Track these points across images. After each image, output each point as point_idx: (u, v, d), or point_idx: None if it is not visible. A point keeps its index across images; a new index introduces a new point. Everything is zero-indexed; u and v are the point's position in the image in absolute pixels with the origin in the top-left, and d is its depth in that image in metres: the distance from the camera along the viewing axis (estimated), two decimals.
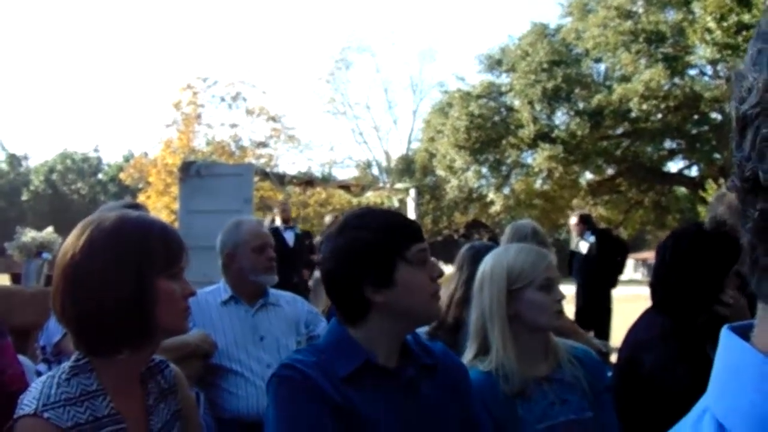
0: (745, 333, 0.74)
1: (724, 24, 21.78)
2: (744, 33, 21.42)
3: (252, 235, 4.10)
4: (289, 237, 11.75)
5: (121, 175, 40.30)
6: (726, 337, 0.76)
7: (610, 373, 3.49)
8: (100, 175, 72.21)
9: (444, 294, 4.19)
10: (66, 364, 2.00)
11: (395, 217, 2.40)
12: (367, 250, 2.19)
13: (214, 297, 4.08)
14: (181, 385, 2.29)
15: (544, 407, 2.82)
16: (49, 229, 7.62)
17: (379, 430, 2.12)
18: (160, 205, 30.33)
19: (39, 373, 3.65)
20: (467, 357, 2.93)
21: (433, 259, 2.36)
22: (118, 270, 1.94)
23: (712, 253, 3.16)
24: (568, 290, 3.49)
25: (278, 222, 11.68)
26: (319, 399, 2.06)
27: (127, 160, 54.56)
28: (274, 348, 3.99)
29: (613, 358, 5.32)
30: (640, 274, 56.21)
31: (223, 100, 35.09)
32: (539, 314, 2.86)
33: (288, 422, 2.06)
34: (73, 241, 1.98)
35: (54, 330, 3.78)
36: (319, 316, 4.33)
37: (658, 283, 3.38)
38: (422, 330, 3.98)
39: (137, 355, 2.05)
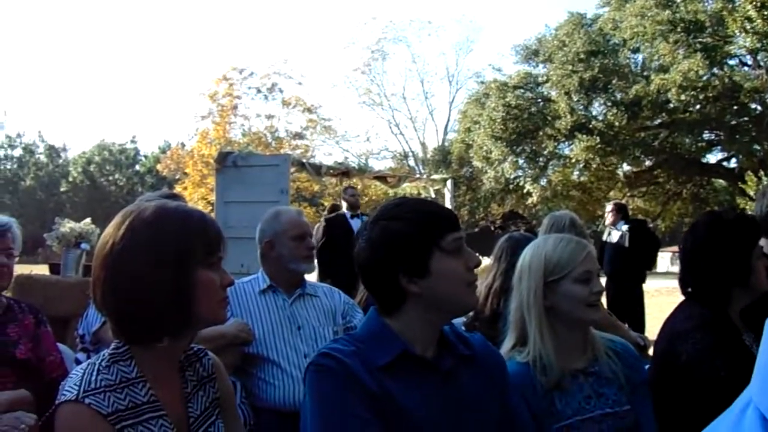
0: None
1: (765, 13, 21.51)
2: None
3: (291, 224, 4.11)
4: (356, 225, 11.72)
5: (158, 166, 40.69)
6: None
7: (647, 366, 3.47)
8: (137, 166, 72.65)
9: (482, 285, 4.19)
10: (106, 352, 2.01)
11: (430, 206, 2.38)
12: (402, 240, 2.18)
13: (252, 286, 4.10)
14: (219, 374, 2.30)
15: (581, 400, 2.81)
16: (87, 220, 7.67)
17: (417, 420, 2.11)
18: (197, 196, 30.54)
19: (78, 361, 3.69)
20: (505, 348, 2.93)
21: (469, 249, 2.34)
22: (159, 259, 1.94)
23: (731, 236, 3.14)
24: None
25: (344, 209, 11.55)
26: (356, 388, 2.06)
27: (163, 151, 54.96)
28: (311, 338, 4.00)
29: (651, 351, 5.29)
30: (677, 267, 55.84)
31: (259, 91, 35.27)
32: (575, 307, 2.84)
33: (326, 410, 2.06)
34: (113, 230, 1.99)
35: (93, 319, 3.81)
36: (356, 307, 4.33)
37: (685, 274, 3.36)
38: (459, 321, 3.98)
39: (176, 344, 2.06)
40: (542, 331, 2.84)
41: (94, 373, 1.94)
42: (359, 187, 32.44)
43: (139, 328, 1.96)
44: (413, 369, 2.19)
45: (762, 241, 3.31)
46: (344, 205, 11.60)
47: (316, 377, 2.11)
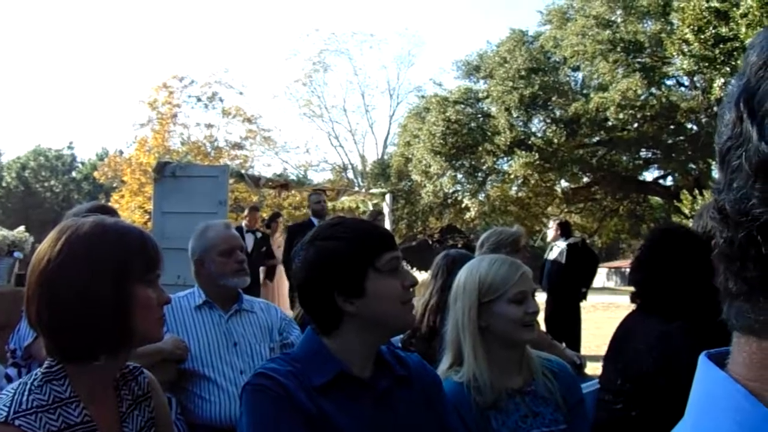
0: (722, 360, 0.75)
1: (702, 36, 21.90)
2: (721, 46, 21.56)
3: (218, 240, 4.06)
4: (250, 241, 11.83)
5: (95, 174, 40.20)
6: (703, 364, 0.77)
7: (583, 385, 3.52)
8: (73, 173, 71.54)
9: (418, 302, 4.20)
10: (39, 371, 1.99)
11: (366, 226, 2.39)
12: (337, 261, 2.20)
13: (188, 301, 4.05)
14: (155, 392, 2.28)
15: (517, 419, 2.84)
16: (21, 228, 7.55)
17: None
18: (134, 205, 30.23)
19: (8, 377, 3.63)
20: (442, 367, 2.95)
21: (406, 267, 2.36)
22: (97, 277, 1.92)
23: (695, 249, 3.20)
24: (539, 298, 3.49)
25: (311, 216, 11.65)
26: (293, 409, 2.07)
27: (101, 158, 54.27)
28: (247, 354, 3.97)
29: (589, 369, 5.35)
30: (613, 283, 56.41)
31: (199, 100, 35.10)
32: (510, 327, 2.87)
33: (262, 430, 2.05)
34: (49, 246, 1.96)
35: (25, 333, 3.73)
36: (293, 323, 4.31)
37: (643, 286, 3.42)
38: (396, 338, 3.98)
39: (112, 362, 2.04)
40: (476, 351, 2.86)
41: (26, 393, 1.91)
42: (298, 198, 32.50)
43: (75, 345, 1.94)
44: (349, 389, 2.20)
45: None
46: (310, 212, 11.74)
47: (253, 397, 2.11)
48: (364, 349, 2.28)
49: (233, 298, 4.13)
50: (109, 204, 28.43)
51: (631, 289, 3.60)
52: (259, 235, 12.72)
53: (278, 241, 13.55)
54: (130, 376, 2.22)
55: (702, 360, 0.77)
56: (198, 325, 3.97)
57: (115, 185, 35.94)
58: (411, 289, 2.34)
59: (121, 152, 41.22)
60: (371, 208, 20.22)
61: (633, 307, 3.57)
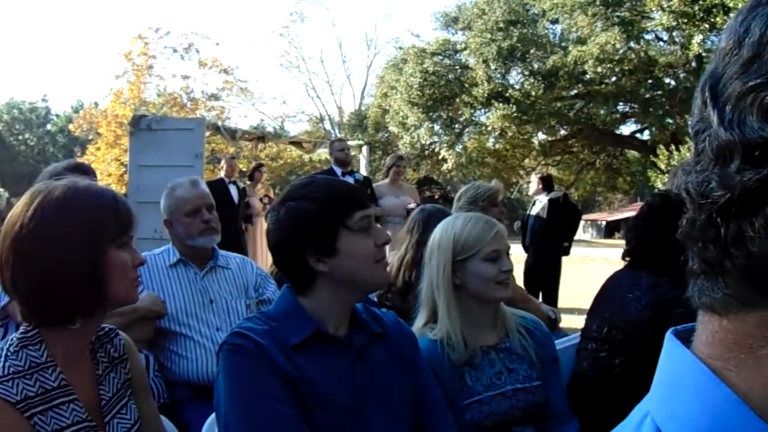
0: (688, 337, 0.76)
1: None
2: (700, 2, 21.59)
3: (182, 201, 4.03)
4: (234, 192, 11.74)
5: (70, 126, 39.75)
6: (669, 341, 0.78)
7: (558, 341, 3.57)
8: (48, 126, 70.92)
9: (394, 257, 4.22)
10: (14, 336, 1.98)
11: (338, 185, 2.39)
12: (308, 221, 2.21)
13: (163, 259, 4.05)
14: (131, 354, 2.29)
15: (491, 376, 2.87)
16: None
17: (331, 399, 2.14)
18: (110, 158, 29.91)
19: None
20: (417, 324, 2.97)
21: (378, 225, 2.37)
22: (71, 240, 1.92)
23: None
24: (519, 250, 3.53)
25: (333, 165, 10.30)
26: (269, 366, 2.08)
27: (76, 110, 53.75)
28: (223, 311, 3.98)
29: (564, 323, 5.39)
30: (589, 235, 56.68)
31: (175, 51, 34.64)
32: (483, 285, 2.90)
33: (239, 390, 2.07)
34: (21, 210, 1.95)
35: (1, 293, 3.71)
36: (269, 279, 4.31)
37: (641, 243, 3.49)
38: (373, 294, 4.01)
39: (88, 326, 2.05)
40: (450, 308, 2.89)
41: (2, 359, 1.91)
42: (274, 150, 32.36)
43: (51, 310, 1.94)
44: (325, 347, 2.22)
45: None
46: (332, 160, 10.25)
47: (230, 356, 2.12)
48: (339, 308, 2.29)
49: (208, 255, 4.13)
50: (84, 160, 28.27)
51: (608, 241, 3.67)
52: (241, 185, 12.67)
53: (260, 192, 13.51)
54: (106, 338, 2.22)
55: (668, 337, 0.79)
56: (173, 283, 3.97)
57: (90, 138, 35.52)
58: (384, 247, 2.35)
59: (97, 104, 40.95)
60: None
61: (606, 258, 3.63)
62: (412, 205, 9.23)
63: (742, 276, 0.65)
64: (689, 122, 0.74)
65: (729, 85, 0.66)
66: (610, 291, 3.59)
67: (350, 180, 9.21)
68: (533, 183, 11.14)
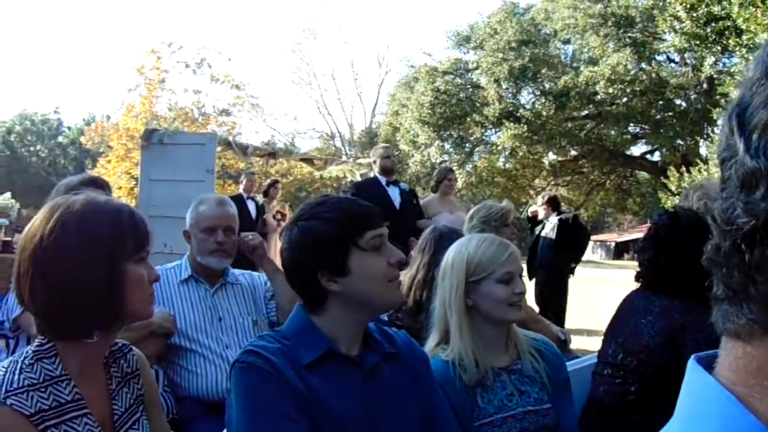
0: (711, 363, 0.76)
1: (694, 14, 21.91)
2: (713, 24, 21.59)
3: (203, 216, 4.04)
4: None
5: (82, 139, 39.95)
6: (692, 368, 0.78)
7: (569, 363, 3.55)
8: (60, 138, 71.06)
9: (405, 276, 4.21)
10: (29, 348, 1.98)
11: (350, 204, 2.38)
12: (320, 240, 2.21)
13: (174, 274, 4.06)
14: (144, 369, 2.29)
15: (503, 398, 2.86)
16: (7, 194, 7.55)
17: (342, 418, 2.14)
18: (121, 171, 30.02)
19: None
20: (430, 345, 2.96)
21: (391, 245, 2.37)
22: (92, 255, 1.92)
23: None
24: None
25: (377, 173, 9.09)
26: (281, 385, 2.08)
27: (88, 123, 53.82)
28: (231, 329, 3.99)
29: (574, 344, 5.38)
30: (598, 256, 56.59)
31: (187, 66, 34.80)
32: (496, 307, 2.89)
33: (251, 407, 2.07)
34: (41, 224, 1.94)
35: (13, 304, 3.70)
36: None
37: (653, 264, 3.48)
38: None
39: (103, 340, 2.05)
40: (463, 330, 2.88)
41: (17, 372, 1.91)
42: (285, 166, 32.42)
43: (69, 323, 1.94)
44: (338, 366, 2.22)
45: None
46: (376, 168, 9.03)
47: (242, 374, 2.12)
48: (351, 327, 2.29)
49: (217, 274, 4.13)
50: (95, 173, 28.32)
51: (617, 262, 3.67)
52: (259, 201, 12.68)
53: (274, 209, 13.50)
54: (119, 353, 2.22)
55: (691, 363, 0.78)
56: (184, 300, 3.98)
57: (101, 150, 35.66)
58: (397, 266, 2.35)
59: (108, 117, 41.01)
60: (358, 178, 20.20)
61: (615, 279, 3.63)
62: None
63: (766, 302, 0.65)
64: (716, 151, 0.74)
65: (756, 114, 0.66)
66: (625, 314, 3.58)
67: (395, 191, 8.78)
68: (541, 208, 11.13)
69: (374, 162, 9.17)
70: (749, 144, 0.66)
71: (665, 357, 3.17)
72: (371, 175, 16.50)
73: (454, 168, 30.61)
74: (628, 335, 3.43)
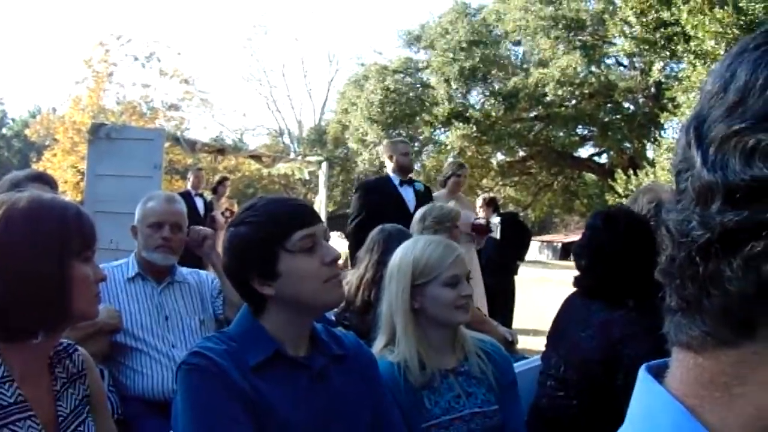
0: (662, 373, 0.77)
1: (644, 19, 22.13)
2: (662, 30, 21.78)
3: (150, 212, 4.01)
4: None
5: (27, 131, 39.40)
6: (643, 378, 0.78)
7: (516, 363, 3.58)
8: (3, 130, 69.99)
9: (353, 276, 4.22)
10: None
11: (278, 206, 2.35)
12: (247, 246, 2.23)
13: (121, 272, 4.01)
14: (90, 369, 2.26)
15: (450, 399, 2.87)
16: None
17: (289, 419, 2.14)
18: (66, 164, 29.63)
19: None
20: (377, 346, 2.97)
21: (326, 244, 2.36)
22: (39, 256, 1.90)
23: (645, 234, 3.28)
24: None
25: (390, 172, 8.07)
26: (228, 388, 2.07)
27: (33, 115, 53.14)
28: (178, 327, 3.96)
29: (521, 344, 5.41)
30: (545, 256, 56.89)
31: (136, 59, 34.46)
32: (442, 310, 2.90)
33: (198, 410, 2.06)
34: None
35: None
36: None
37: (590, 270, 3.49)
38: (330, 312, 4.01)
39: (48, 340, 2.02)
40: (408, 332, 2.88)
41: None
42: (233, 162, 32.23)
43: (15, 325, 1.92)
44: (285, 369, 2.22)
45: None
46: (392, 166, 7.75)
47: (188, 376, 2.11)
48: (295, 329, 2.29)
49: (164, 271, 4.09)
50: (40, 166, 27.96)
51: (563, 263, 3.69)
52: (207, 198, 12.62)
53: (223, 206, 13.44)
54: (65, 353, 2.20)
55: (642, 373, 0.79)
56: (130, 298, 3.93)
57: (47, 143, 35.23)
58: (334, 265, 2.34)
59: (55, 110, 40.60)
60: (306, 176, 20.16)
61: (561, 280, 3.65)
62: (481, 221, 8.33)
63: (719, 315, 0.66)
64: (672, 161, 0.75)
65: (713, 127, 0.67)
66: (565, 323, 3.60)
67: (409, 191, 7.64)
68: (480, 208, 11.17)
69: (389, 158, 7.85)
70: (706, 157, 0.67)
71: (603, 371, 3.20)
72: (318, 172, 16.43)
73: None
74: (569, 349, 3.45)
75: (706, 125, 0.69)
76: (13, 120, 69.68)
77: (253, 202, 2.37)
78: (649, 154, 26.75)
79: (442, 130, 31.26)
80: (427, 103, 30.67)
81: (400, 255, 3.02)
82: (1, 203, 1.95)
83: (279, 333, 2.26)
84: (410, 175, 7.97)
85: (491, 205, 11.08)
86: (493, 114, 29.14)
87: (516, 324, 10.31)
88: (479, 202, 11.42)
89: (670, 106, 21.04)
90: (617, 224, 3.46)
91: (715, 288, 0.66)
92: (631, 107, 29.78)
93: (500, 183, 34.18)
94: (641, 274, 3.21)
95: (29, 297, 1.88)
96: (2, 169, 42.34)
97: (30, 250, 1.90)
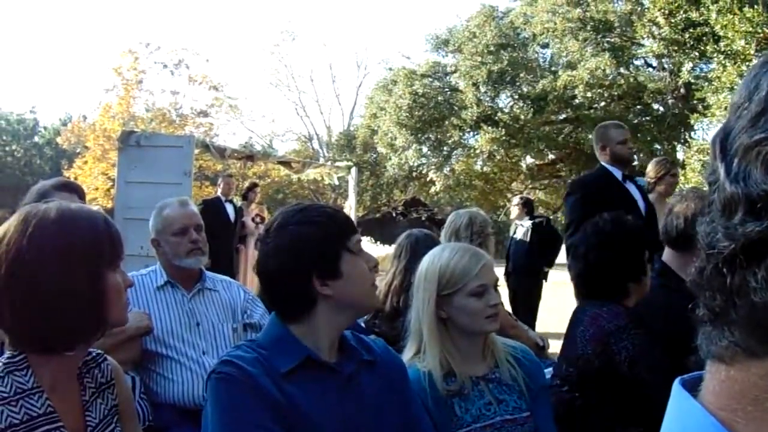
0: (695, 386, 0.76)
1: (672, 20, 22.01)
2: (691, 30, 21.65)
3: (170, 220, 4.01)
4: (230, 210, 11.61)
5: (58, 139, 39.79)
6: (676, 392, 0.77)
7: (548, 369, 3.58)
8: (36, 138, 70.54)
9: (381, 282, 4.22)
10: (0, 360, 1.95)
11: (333, 209, 2.42)
12: (314, 243, 2.22)
13: (150, 280, 4.03)
14: (119, 379, 2.26)
15: (481, 407, 2.85)
16: None
17: (320, 426, 2.14)
18: (97, 171, 29.88)
19: None
20: (407, 355, 2.95)
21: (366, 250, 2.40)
22: (72, 265, 1.89)
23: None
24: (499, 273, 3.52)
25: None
26: (258, 395, 2.08)
27: (64, 123, 53.51)
28: (209, 334, 3.96)
29: (552, 348, 5.38)
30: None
31: (165, 66, 34.71)
32: (470, 320, 2.88)
33: (227, 419, 2.07)
34: (16, 235, 1.89)
35: None
36: (256, 301, 4.25)
37: (584, 275, 3.53)
38: (360, 319, 4.01)
39: (80, 352, 2.02)
40: (433, 341, 2.87)
41: None
42: (262, 168, 32.34)
43: (52, 338, 1.91)
44: (316, 374, 2.23)
45: (667, 251, 3.73)
46: (603, 158, 6.45)
47: (218, 385, 2.11)
48: (332, 333, 2.30)
49: (195, 277, 4.10)
50: (71, 173, 28.15)
51: None
52: (238, 204, 12.68)
53: (253, 212, 13.49)
54: (93, 363, 2.20)
55: (675, 386, 0.78)
56: (161, 306, 3.94)
57: (78, 151, 35.51)
58: (375, 270, 2.38)
59: (85, 118, 40.87)
60: (336, 181, 20.23)
61: None
62: None
63: (747, 326, 0.66)
64: (704, 173, 0.75)
65: (737, 138, 0.67)
66: (569, 328, 3.62)
67: (633, 187, 6.40)
68: (515, 207, 11.16)
69: (601, 148, 6.47)
70: (730, 169, 0.67)
71: (598, 364, 3.19)
72: (348, 178, 16.47)
73: (432, 171, 30.76)
74: (566, 346, 3.46)
75: (731, 137, 0.69)
76: (45, 128, 70.21)
77: (304, 206, 2.38)
78: (679, 155, 26.59)
79: (471, 133, 31.17)
80: (456, 107, 30.60)
81: (426, 264, 3.00)
82: (31, 216, 1.94)
83: (314, 337, 2.27)
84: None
85: (527, 206, 11.06)
86: (522, 117, 29.05)
87: (546, 328, 10.29)
88: (515, 201, 11.40)
89: (700, 107, 20.89)
90: (603, 231, 3.49)
91: (741, 299, 0.65)
92: (661, 109, 29.56)
93: (530, 186, 34.06)
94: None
95: (65, 310, 1.88)
96: (35, 176, 42.68)
97: (63, 261, 1.89)
